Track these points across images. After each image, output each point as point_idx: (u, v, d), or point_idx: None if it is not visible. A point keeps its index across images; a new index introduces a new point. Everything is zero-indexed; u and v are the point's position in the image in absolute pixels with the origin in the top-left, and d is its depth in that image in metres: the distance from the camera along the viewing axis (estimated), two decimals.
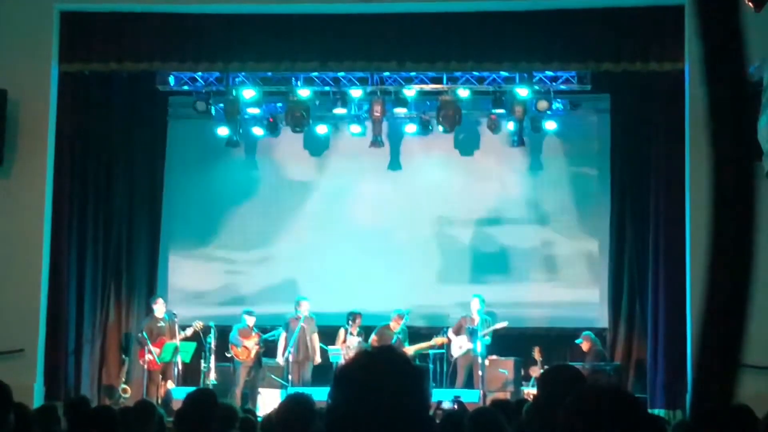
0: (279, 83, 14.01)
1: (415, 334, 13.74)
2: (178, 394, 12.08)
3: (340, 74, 13.74)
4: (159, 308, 13.58)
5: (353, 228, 15.00)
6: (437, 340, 13.40)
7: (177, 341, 13.32)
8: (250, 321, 13.55)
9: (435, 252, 14.96)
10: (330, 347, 13.56)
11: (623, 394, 2.38)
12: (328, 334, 13.91)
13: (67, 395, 12.62)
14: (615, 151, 14.44)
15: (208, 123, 14.63)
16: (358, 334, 13.45)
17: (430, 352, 13.37)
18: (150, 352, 13.22)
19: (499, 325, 13.34)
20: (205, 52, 12.86)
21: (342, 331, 13.60)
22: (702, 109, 1.07)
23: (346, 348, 13.14)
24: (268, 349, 13.67)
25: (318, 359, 13.47)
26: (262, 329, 13.61)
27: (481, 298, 13.45)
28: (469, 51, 12.74)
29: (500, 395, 12.50)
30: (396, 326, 13.33)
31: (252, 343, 13.40)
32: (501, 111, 14.05)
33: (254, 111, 14.45)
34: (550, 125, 14.33)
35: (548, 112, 14.03)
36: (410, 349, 13.26)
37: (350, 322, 13.53)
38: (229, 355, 13.44)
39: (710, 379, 1.08)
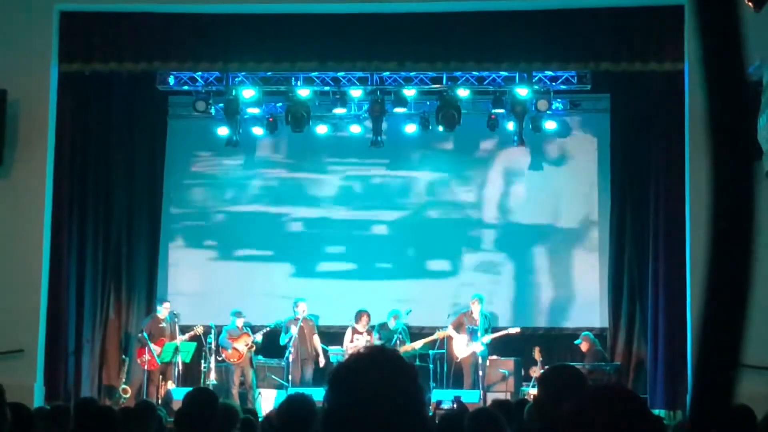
0: (279, 83, 14.01)
1: (414, 334, 13.75)
2: (178, 394, 12.08)
3: (340, 74, 13.74)
4: (164, 311, 13.61)
5: (353, 227, 15.01)
6: (440, 334, 13.43)
7: (177, 342, 13.35)
8: (239, 322, 13.56)
9: (434, 251, 14.95)
10: (331, 347, 13.58)
11: (627, 393, 2.38)
12: (330, 335, 13.92)
13: (66, 396, 12.63)
14: (615, 151, 14.44)
15: (208, 123, 14.64)
16: (367, 333, 13.45)
17: (431, 352, 13.38)
18: (150, 352, 13.24)
19: (512, 330, 13.43)
20: (204, 52, 12.87)
21: (349, 330, 13.59)
22: (702, 109, 1.07)
23: (353, 348, 13.11)
24: (263, 347, 13.68)
25: (322, 360, 13.50)
26: (253, 329, 13.61)
27: (482, 299, 13.48)
28: (469, 51, 12.75)
29: (500, 395, 12.51)
30: (394, 323, 13.39)
31: (242, 345, 13.39)
32: (501, 111, 14.06)
33: (254, 111, 14.46)
34: (550, 125, 14.34)
35: (548, 112, 14.03)
36: (412, 346, 13.29)
37: (357, 321, 13.53)
38: (220, 358, 13.45)
39: (710, 380, 1.08)
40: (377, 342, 13.07)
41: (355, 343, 13.31)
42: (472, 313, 13.43)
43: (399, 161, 15.04)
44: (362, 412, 2.02)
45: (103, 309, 14.25)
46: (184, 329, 13.60)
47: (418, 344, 13.39)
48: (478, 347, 13.12)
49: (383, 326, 13.52)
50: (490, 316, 13.55)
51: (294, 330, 13.26)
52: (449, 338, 13.43)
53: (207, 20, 12.73)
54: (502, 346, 13.49)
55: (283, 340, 13.46)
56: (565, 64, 12.94)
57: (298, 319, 13.35)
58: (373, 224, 15.03)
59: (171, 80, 14.05)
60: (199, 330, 13.43)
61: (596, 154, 14.79)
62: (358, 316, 13.53)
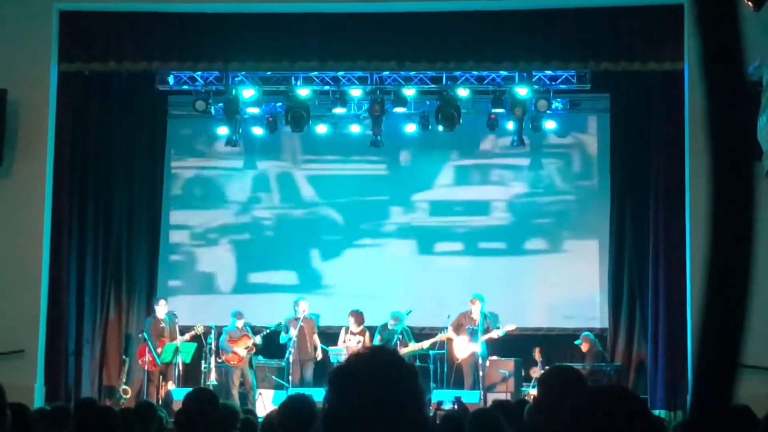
0: (278, 83, 14.01)
1: (415, 335, 13.74)
2: (178, 394, 12.09)
3: (340, 74, 13.75)
4: (161, 309, 13.61)
5: (352, 227, 15.01)
6: (441, 337, 13.40)
7: (177, 342, 13.35)
8: (239, 323, 13.54)
9: (434, 251, 14.95)
10: (331, 347, 13.58)
11: (627, 393, 2.38)
12: (329, 335, 13.92)
13: (67, 396, 12.64)
14: (615, 151, 14.44)
15: (208, 122, 14.65)
16: (361, 333, 13.46)
17: (431, 352, 13.36)
18: (150, 352, 13.24)
19: (509, 327, 13.35)
20: (204, 52, 12.87)
21: (343, 331, 13.62)
22: (701, 108, 1.07)
23: (346, 348, 13.15)
24: (263, 347, 13.69)
25: (320, 354, 13.47)
26: (255, 330, 13.60)
27: (482, 298, 13.44)
28: (469, 50, 12.76)
29: (500, 396, 12.51)
30: (395, 324, 13.36)
31: (241, 348, 13.38)
32: (501, 110, 14.06)
33: (254, 110, 14.45)
34: (549, 125, 14.34)
35: (548, 112, 14.03)
36: (420, 345, 13.29)
37: (350, 321, 13.54)
38: (220, 360, 13.44)
39: (710, 380, 1.08)
40: (377, 342, 13.06)
41: (347, 343, 13.30)
42: (471, 313, 13.40)
43: (398, 161, 15.04)
44: (362, 413, 2.02)
45: (103, 309, 14.25)
46: (183, 329, 13.60)
47: (425, 344, 13.37)
48: (478, 348, 13.10)
49: (384, 327, 13.51)
50: (490, 316, 13.52)
51: (294, 331, 13.25)
52: (449, 340, 13.40)
53: (206, 20, 12.74)
54: (502, 347, 13.47)
55: (282, 339, 13.45)
56: (565, 64, 12.95)
57: (299, 318, 13.34)
58: (373, 223, 15.02)
59: (171, 80, 14.06)
60: (200, 329, 13.43)
61: (596, 153, 14.80)
62: (352, 316, 13.51)
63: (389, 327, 13.42)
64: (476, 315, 13.32)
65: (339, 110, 14.17)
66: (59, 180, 12.93)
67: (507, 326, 13.36)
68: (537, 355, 13.21)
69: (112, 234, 14.44)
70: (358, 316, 13.50)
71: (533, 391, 11.84)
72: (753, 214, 1.05)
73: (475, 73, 13.59)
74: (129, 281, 14.56)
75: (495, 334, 13.20)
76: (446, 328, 13.41)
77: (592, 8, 12.49)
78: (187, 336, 13.44)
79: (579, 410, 2.24)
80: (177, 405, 10.05)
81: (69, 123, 13.17)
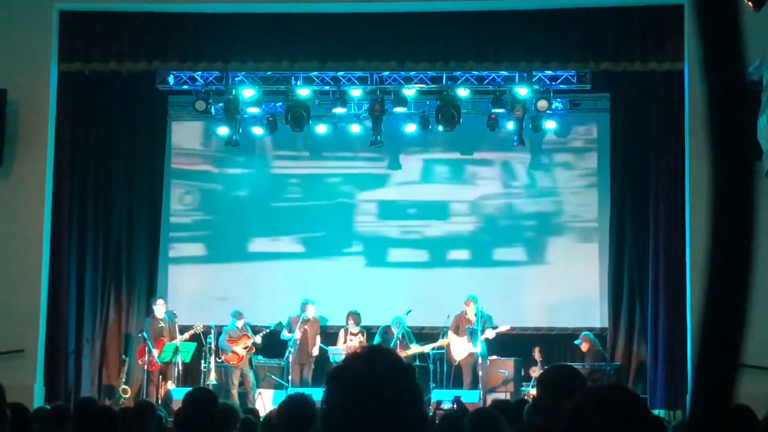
0: (278, 83, 14.01)
1: (416, 336, 13.75)
2: (178, 394, 12.08)
3: (340, 74, 13.75)
4: (159, 309, 13.61)
5: (352, 227, 15.01)
6: (443, 342, 13.40)
7: (177, 341, 13.36)
8: (239, 323, 13.53)
9: (434, 251, 14.95)
10: (331, 347, 13.58)
11: (627, 393, 2.38)
12: (329, 335, 13.93)
13: (66, 396, 12.64)
14: (615, 151, 14.44)
15: (208, 122, 14.65)
16: (359, 333, 13.48)
17: (431, 352, 13.37)
18: (150, 352, 13.25)
19: (503, 328, 13.35)
20: (204, 52, 12.88)
21: (342, 332, 13.63)
22: (701, 108, 1.07)
23: (347, 349, 13.14)
24: (263, 347, 13.70)
25: (317, 351, 13.47)
26: (255, 329, 13.60)
27: (475, 299, 13.41)
28: (469, 51, 12.77)
29: (500, 395, 12.51)
30: (396, 330, 13.36)
31: (240, 348, 13.38)
32: (501, 110, 14.06)
33: (254, 110, 14.45)
34: (549, 125, 14.34)
35: (548, 112, 14.03)
36: (421, 349, 13.28)
37: (349, 322, 13.56)
38: (220, 360, 13.44)
39: (710, 380, 1.08)
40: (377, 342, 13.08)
41: (349, 343, 13.31)
42: (466, 314, 13.39)
43: (399, 161, 15.04)
44: (360, 412, 2.02)
45: (103, 309, 14.25)
46: (183, 329, 13.60)
47: (426, 348, 13.37)
48: (477, 348, 13.08)
49: (387, 329, 13.52)
50: (487, 316, 13.50)
51: (298, 334, 13.25)
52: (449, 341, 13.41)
53: (207, 20, 12.75)
54: (501, 346, 13.47)
55: (283, 336, 13.44)
56: (565, 64, 12.95)
57: (304, 320, 13.34)
58: (373, 223, 15.01)
59: (171, 80, 14.05)
60: (199, 328, 13.44)
61: (596, 153, 14.80)
62: (351, 317, 13.52)
63: (392, 329, 13.41)
64: (471, 315, 13.31)
65: (339, 110, 14.17)
66: (59, 180, 12.93)
67: (501, 327, 13.36)
68: (537, 354, 13.20)
69: (112, 234, 14.43)
70: (356, 317, 13.54)
71: (533, 391, 11.83)
72: (753, 214, 1.05)
73: (475, 73, 13.59)
74: (129, 281, 14.56)
75: (489, 334, 13.20)
76: (446, 328, 13.41)
77: (592, 8, 12.50)
78: (186, 335, 13.45)
79: (579, 410, 2.24)
80: (177, 405, 10.04)
81: (69, 123, 13.17)
